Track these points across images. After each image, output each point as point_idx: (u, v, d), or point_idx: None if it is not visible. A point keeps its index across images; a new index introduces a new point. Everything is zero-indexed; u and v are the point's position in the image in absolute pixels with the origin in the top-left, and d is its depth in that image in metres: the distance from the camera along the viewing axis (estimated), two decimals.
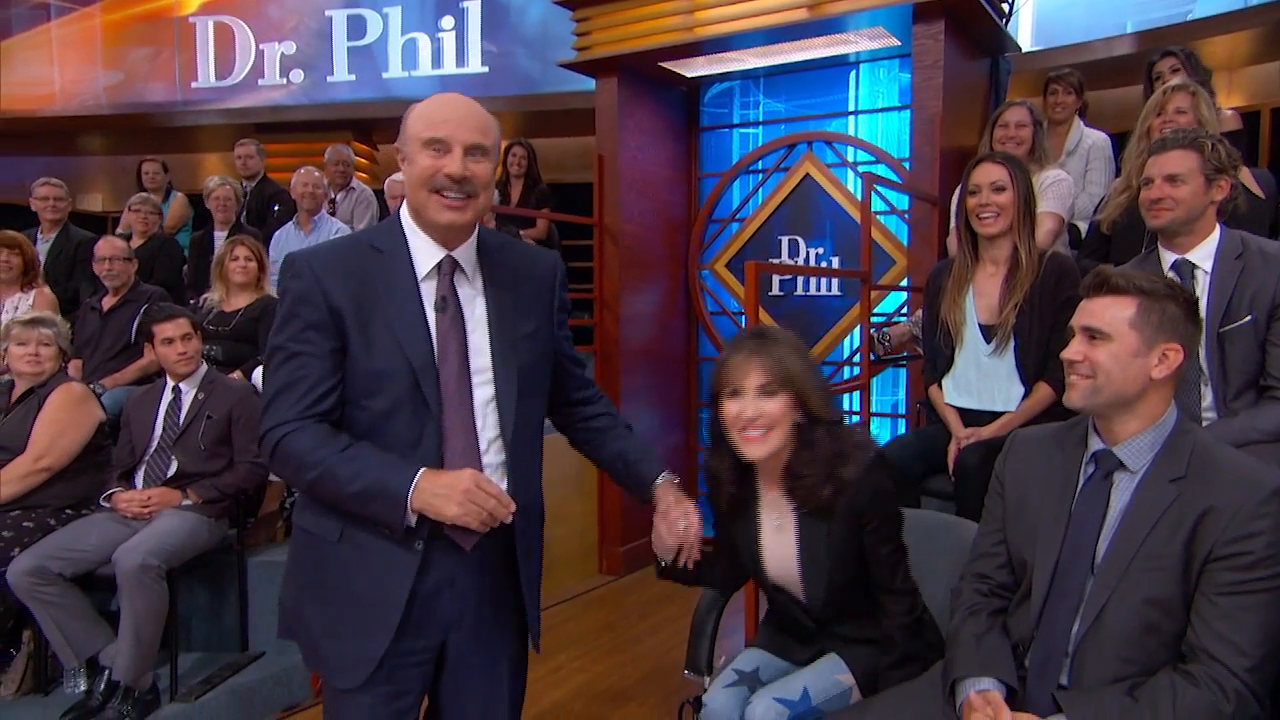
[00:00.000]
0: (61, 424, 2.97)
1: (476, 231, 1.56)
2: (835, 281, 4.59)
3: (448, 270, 1.50)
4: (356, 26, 7.53)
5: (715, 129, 5.02)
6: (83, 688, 2.81)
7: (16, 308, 3.88)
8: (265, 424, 1.44)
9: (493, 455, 1.51)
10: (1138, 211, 2.38)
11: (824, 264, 4.61)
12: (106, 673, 2.73)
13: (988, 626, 1.65)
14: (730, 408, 1.58)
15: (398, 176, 5.07)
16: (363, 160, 7.63)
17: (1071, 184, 3.12)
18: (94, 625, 2.76)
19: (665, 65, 4.53)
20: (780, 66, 4.60)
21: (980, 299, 2.51)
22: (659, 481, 1.65)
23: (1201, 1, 5.02)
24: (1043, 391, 2.40)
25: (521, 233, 5.20)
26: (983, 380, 2.50)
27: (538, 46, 7.11)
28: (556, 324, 1.63)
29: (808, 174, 4.62)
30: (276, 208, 5.17)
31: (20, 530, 2.81)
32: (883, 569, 1.66)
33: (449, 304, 1.48)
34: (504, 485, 1.50)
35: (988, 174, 2.45)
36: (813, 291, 4.69)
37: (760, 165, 4.81)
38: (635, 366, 4.68)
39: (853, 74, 4.53)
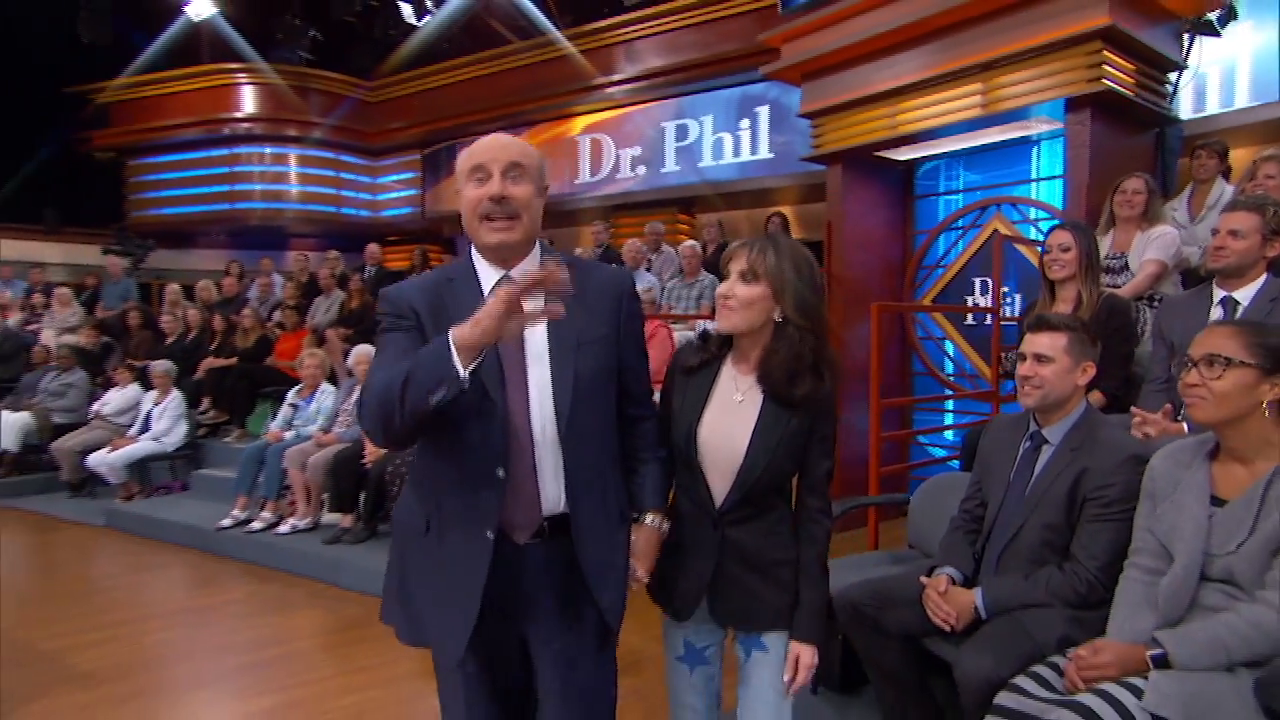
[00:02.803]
0: None
1: (537, 250, 1.42)
2: (1017, 311, 4.67)
3: None
4: (681, 132, 8.76)
5: (925, 196, 5.33)
6: None
7: None
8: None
9: (548, 457, 1.36)
10: None
11: (1010, 299, 4.74)
12: None
13: (959, 540, 2.11)
14: (721, 286, 1.49)
15: (689, 243, 6.06)
16: (684, 225, 8.83)
17: (1176, 236, 3.13)
18: None
19: (878, 154, 5.00)
20: (976, 147, 4.82)
21: None
22: (646, 519, 1.51)
23: None
24: (1095, 397, 2.63)
25: None
26: None
27: (810, 136, 7.75)
28: (623, 335, 1.45)
29: (996, 229, 4.77)
30: (614, 267, 6.36)
31: None
32: (819, 468, 1.52)
33: None
34: (559, 487, 1.37)
35: (1057, 238, 2.74)
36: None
37: (960, 224, 5.04)
38: (852, 380, 5.13)
39: (1034, 149, 4.64)
